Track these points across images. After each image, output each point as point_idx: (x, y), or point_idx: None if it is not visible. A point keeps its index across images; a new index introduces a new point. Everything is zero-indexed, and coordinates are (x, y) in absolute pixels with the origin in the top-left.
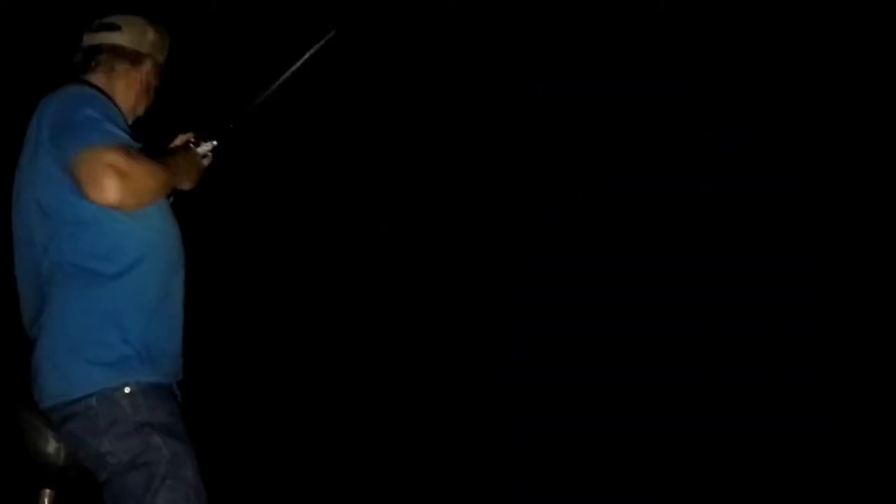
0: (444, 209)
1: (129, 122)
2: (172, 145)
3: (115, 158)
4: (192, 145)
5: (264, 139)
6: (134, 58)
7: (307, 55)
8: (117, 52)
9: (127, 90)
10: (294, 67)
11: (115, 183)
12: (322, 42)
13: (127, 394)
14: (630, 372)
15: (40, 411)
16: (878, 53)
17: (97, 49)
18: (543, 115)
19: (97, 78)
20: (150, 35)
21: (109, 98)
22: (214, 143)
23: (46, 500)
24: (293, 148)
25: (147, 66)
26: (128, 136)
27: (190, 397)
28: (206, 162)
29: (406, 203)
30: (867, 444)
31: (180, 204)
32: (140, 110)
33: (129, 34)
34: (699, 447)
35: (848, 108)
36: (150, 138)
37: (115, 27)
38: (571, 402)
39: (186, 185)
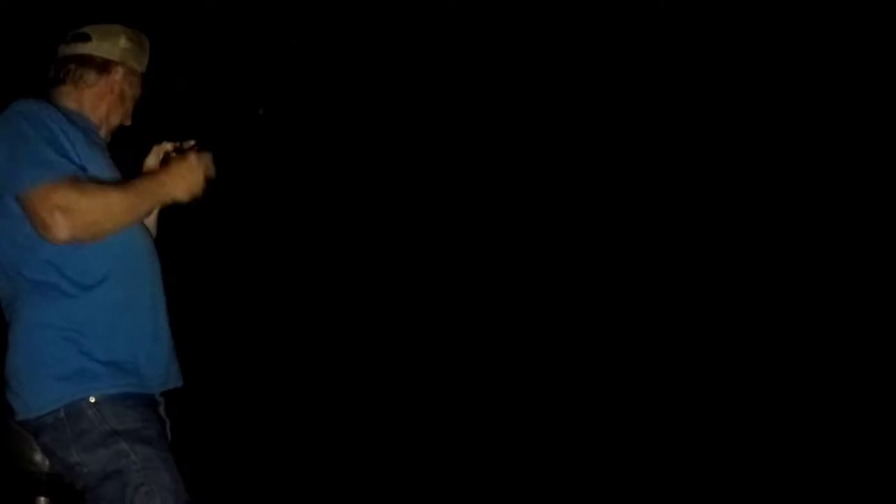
0: (443, 209)
1: (103, 132)
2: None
3: (61, 197)
4: (182, 151)
5: (265, 141)
6: (102, 67)
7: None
8: (85, 61)
9: (97, 100)
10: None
11: (63, 222)
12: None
13: (92, 403)
14: (630, 372)
15: None
16: (878, 53)
17: (67, 60)
18: (540, 114)
19: (66, 90)
20: (123, 42)
21: (73, 112)
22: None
23: None
24: (293, 148)
25: (118, 75)
26: (73, 165)
27: (190, 398)
28: (210, 171)
29: (405, 203)
30: (867, 444)
31: (182, 204)
32: (114, 120)
33: (99, 43)
34: (699, 447)
35: (847, 108)
36: (138, 147)
37: (85, 37)
38: (571, 402)
39: (181, 198)
